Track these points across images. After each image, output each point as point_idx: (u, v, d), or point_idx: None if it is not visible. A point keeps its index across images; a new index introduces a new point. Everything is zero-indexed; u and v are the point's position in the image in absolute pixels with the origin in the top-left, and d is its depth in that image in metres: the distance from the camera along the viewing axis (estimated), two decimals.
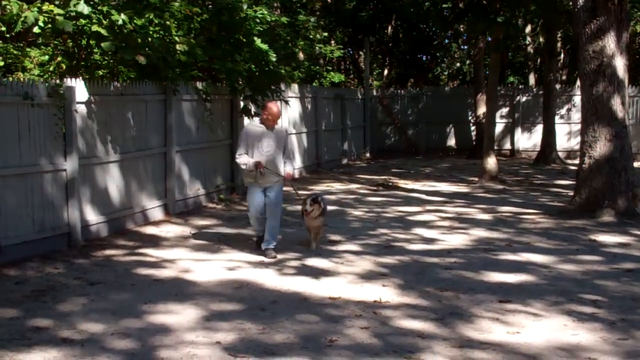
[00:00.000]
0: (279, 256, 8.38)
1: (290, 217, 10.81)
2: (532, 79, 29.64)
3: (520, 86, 27.20)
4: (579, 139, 12.89)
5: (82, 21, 8.98)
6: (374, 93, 26.36)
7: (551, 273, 7.62)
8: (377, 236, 9.79)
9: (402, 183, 16.23)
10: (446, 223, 10.83)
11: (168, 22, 10.29)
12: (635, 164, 12.39)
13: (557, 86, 23.11)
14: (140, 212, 10.36)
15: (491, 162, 16.30)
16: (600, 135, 11.01)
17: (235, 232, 9.94)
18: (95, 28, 8.90)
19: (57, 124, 8.56)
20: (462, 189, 15.31)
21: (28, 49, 11.97)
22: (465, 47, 32.41)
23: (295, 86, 17.46)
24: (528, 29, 27.53)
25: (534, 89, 24.66)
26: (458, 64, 35.75)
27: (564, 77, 29.60)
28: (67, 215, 8.72)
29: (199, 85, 11.82)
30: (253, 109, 12.96)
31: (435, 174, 18.63)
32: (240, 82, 12.53)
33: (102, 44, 9.12)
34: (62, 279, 7.31)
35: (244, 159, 8.41)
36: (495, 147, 19.02)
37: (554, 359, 5.07)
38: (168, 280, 7.36)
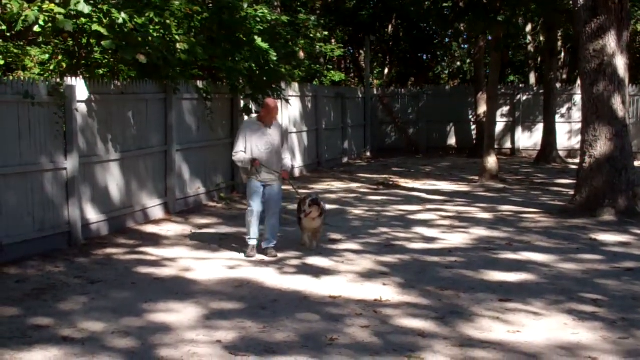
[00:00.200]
0: (280, 255, 8.38)
1: (290, 216, 10.80)
2: (532, 78, 29.64)
3: (520, 85, 27.19)
4: (579, 138, 12.88)
5: (83, 20, 8.97)
6: (375, 92, 26.35)
7: (552, 272, 7.62)
8: (378, 235, 9.79)
9: (403, 182, 16.23)
10: (446, 222, 10.83)
11: (168, 21, 10.29)
12: (636, 163, 12.38)
13: (558, 85, 23.12)
14: (141, 210, 10.36)
15: (492, 161, 16.29)
16: (601, 134, 11.01)
17: (235, 230, 9.93)
18: (95, 27, 8.90)
19: (58, 122, 8.57)
20: (462, 188, 15.31)
21: (28, 48, 11.98)
22: (466, 46, 32.42)
23: (295, 85, 17.45)
24: (528, 27, 27.53)
25: (535, 88, 24.66)
26: (458, 63, 35.74)
27: (564, 76, 29.60)
28: (67, 214, 8.72)
29: (200, 84, 11.82)
30: (254, 108, 12.96)
31: (436, 172, 18.63)
32: (241, 81, 12.54)
33: (103, 43, 9.12)
34: (63, 278, 7.32)
35: (240, 156, 8.36)
36: (496, 146, 19.03)
37: (554, 358, 5.07)
38: (168, 278, 7.36)
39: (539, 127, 22.80)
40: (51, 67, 11.32)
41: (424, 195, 13.98)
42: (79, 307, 6.27)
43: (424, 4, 21.20)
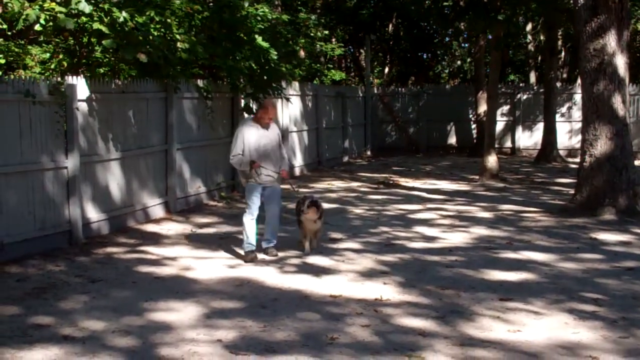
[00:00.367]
0: (280, 254, 8.39)
1: (290, 215, 10.79)
2: (532, 77, 29.64)
3: (521, 84, 27.20)
4: (579, 137, 12.89)
5: (84, 19, 8.98)
6: (375, 91, 26.34)
7: (552, 271, 7.62)
8: (378, 234, 9.80)
9: (403, 181, 16.23)
10: (447, 221, 10.84)
11: (169, 20, 10.28)
12: (636, 162, 12.38)
13: (558, 84, 23.11)
14: (141, 209, 10.37)
15: (492, 160, 16.29)
16: (601, 134, 11.01)
17: (236, 229, 9.93)
18: (96, 26, 8.91)
19: (59, 121, 8.58)
20: (462, 187, 15.31)
21: (29, 47, 11.98)
22: (466, 45, 32.43)
23: (296, 84, 17.45)
24: (529, 27, 27.53)
25: (535, 87, 24.65)
26: (459, 62, 35.75)
27: (564, 75, 29.61)
28: (68, 212, 8.72)
29: (200, 83, 11.82)
30: (254, 107, 12.95)
31: (436, 172, 18.63)
32: (241, 80, 12.53)
33: (104, 42, 9.12)
34: (64, 277, 7.33)
35: (238, 159, 8.21)
36: (496, 145, 18.99)
37: (554, 357, 5.07)
38: (169, 277, 7.37)
39: (539, 126, 22.79)
40: (52, 66, 11.32)
41: (424, 194, 13.99)
42: (79, 306, 6.27)
43: (425, 3, 21.20)
